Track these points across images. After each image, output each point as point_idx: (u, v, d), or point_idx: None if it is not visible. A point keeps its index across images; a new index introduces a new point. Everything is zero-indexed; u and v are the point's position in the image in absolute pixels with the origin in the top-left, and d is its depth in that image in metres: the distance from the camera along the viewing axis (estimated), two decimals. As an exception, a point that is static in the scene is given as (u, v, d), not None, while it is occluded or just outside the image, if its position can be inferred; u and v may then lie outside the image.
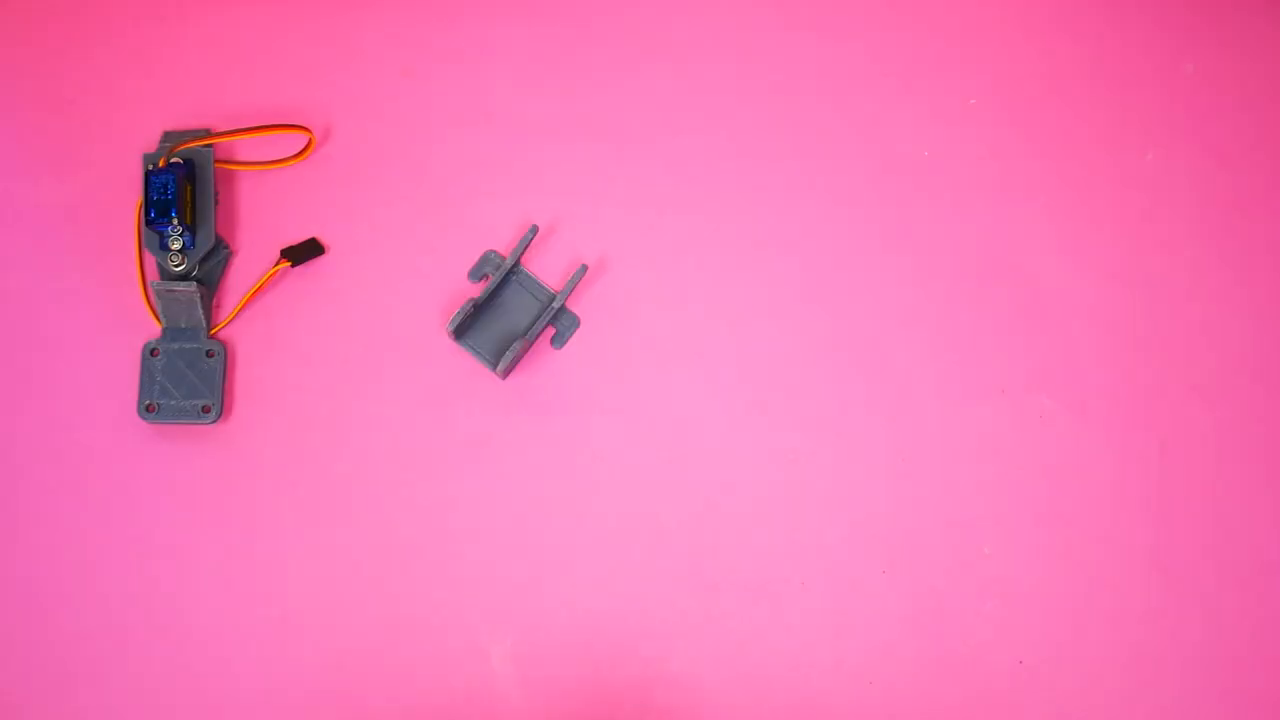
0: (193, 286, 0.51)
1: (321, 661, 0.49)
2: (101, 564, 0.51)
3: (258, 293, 0.53)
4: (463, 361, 0.53)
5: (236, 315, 0.53)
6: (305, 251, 0.54)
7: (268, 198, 0.55)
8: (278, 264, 0.53)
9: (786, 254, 0.55)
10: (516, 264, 0.53)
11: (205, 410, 0.52)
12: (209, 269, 0.53)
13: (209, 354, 0.52)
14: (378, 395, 0.53)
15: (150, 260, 0.53)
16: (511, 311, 0.53)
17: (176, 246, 0.52)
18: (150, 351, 0.52)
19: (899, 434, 0.53)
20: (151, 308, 0.53)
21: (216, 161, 0.54)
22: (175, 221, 0.51)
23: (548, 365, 0.53)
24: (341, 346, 0.53)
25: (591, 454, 0.52)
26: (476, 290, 0.53)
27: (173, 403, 0.52)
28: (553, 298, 0.52)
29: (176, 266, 0.52)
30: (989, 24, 0.58)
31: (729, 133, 0.56)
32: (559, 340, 0.52)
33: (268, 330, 0.54)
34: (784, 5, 0.58)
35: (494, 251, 0.53)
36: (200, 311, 0.52)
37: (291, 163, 0.54)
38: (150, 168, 0.52)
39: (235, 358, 0.53)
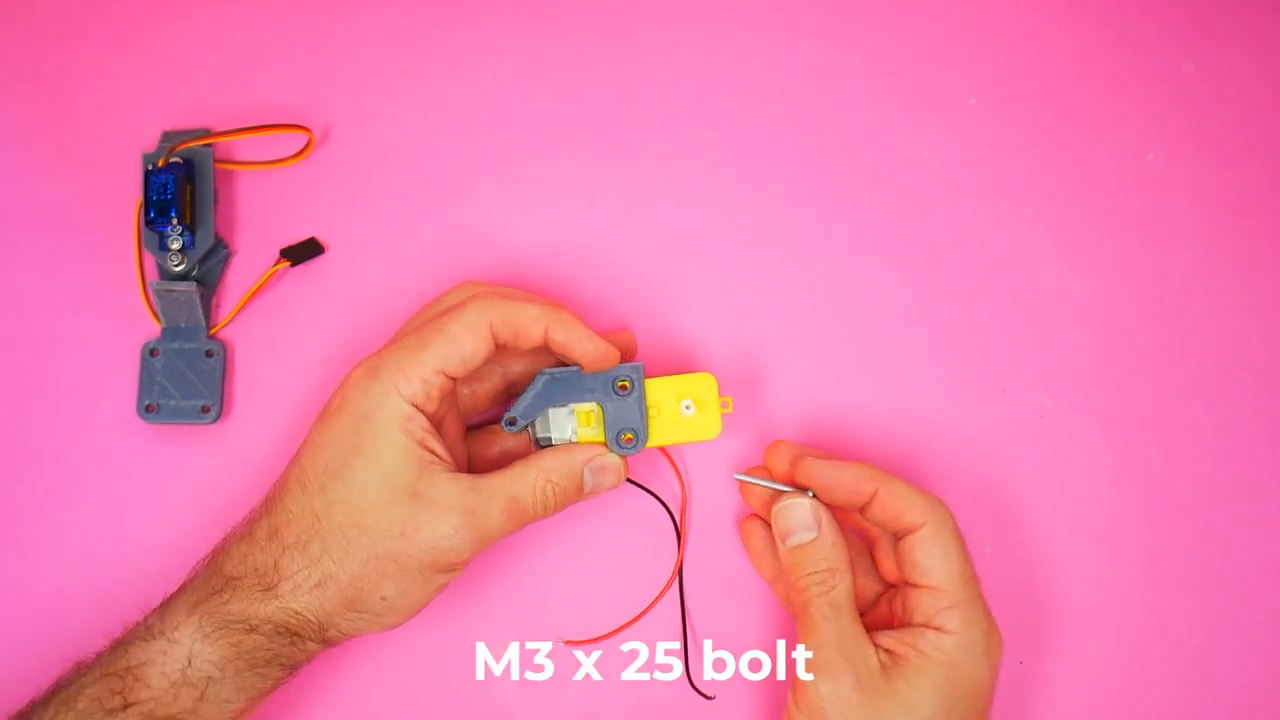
0: (192, 286, 0.51)
1: (320, 660, 0.49)
2: (101, 564, 0.51)
3: (257, 292, 0.53)
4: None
5: (236, 315, 0.53)
6: (305, 251, 0.54)
7: (267, 197, 0.55)
8: (277, 264, 0.53)
9: (785, 254, 0.55)
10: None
11: (205, 410, 0.52)
12: (208, 269, 0.53)
13: (208, 354, 0.52)
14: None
15: (150, 260, 0.53)
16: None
17: (176, 246, 0.52)
18: (150, 351, 0.52)
19: (899, 433, 0.53)
20: (151, 308, 0.53)
21: (216, 161, 0.54)
22: (175, 221, 0.51)
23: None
24: (341, 346, 0.53)
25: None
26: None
27: (172, 403, 0.52)
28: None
29: (176, 266, 0.52)
30: (989, 24, 0.58)
31: (728, 133, 0.56)
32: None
33: (267, 330, 0.54)
34: (784, 5, 0.58)
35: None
36: (200, 311, 0.52)
37: (291, 162, 0.54)
38: (150, 167, 0.52)
39: (235, 358, 0.53)
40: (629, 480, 0.48)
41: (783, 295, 0.54)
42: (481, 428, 0.50)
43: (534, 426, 0.47)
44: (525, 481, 0.45)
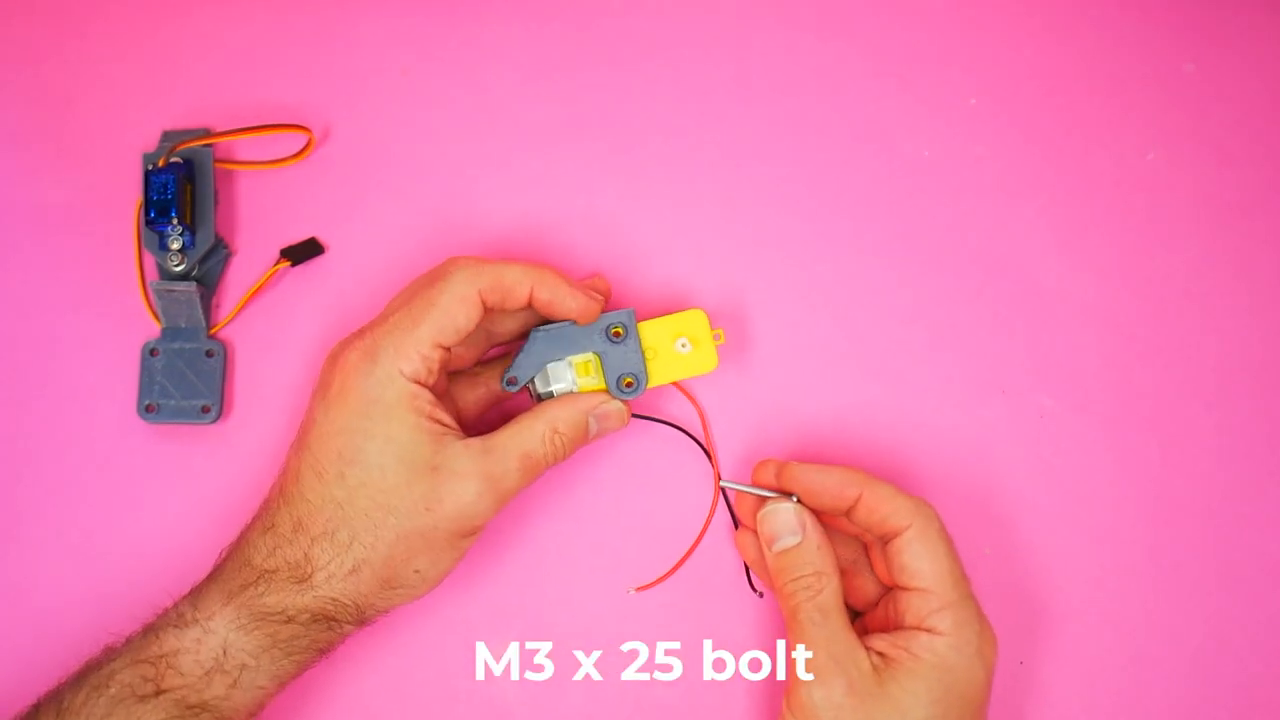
0: (192, 286, 0.51)
1: (319, 661, 0.49)
2: (101, 564, 0.51)
3: (257, 292, 0.53)
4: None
5: (236, 315, 0.53)
6: (305, 251, 0.54)
7: (267, 197, 0.55)
8: (277, 264, 0.53)
9: (785, 254, 0.55)
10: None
11: (205, 410, 0.52)
12: (208, 269, 0.53)
13: (208, 354, 0.52)
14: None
15: (150, 260, 0.53)
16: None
17: (176, 246, 0.52)
18: (150, 351, 0.52)
19: (898, 433, 0.53)
20: (151, 308, 0.53)
21: (216, 161, 0.54)
22: (175, 221, 0.51)
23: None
24: (341, 346, 0.53)
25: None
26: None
27: (172, 403, 0.52)
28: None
29: (176, 266, 0.52)
30: (989, 24, 0.58)
31: (728, 133, 0.56)
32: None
33: (267, 330, 0.54)
34: (783, 4, 0.58)
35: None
36: (200, 311, 0.52)
37: (291, 162, 0.54)
38: (150, 167, 0.52)
39: (235, 357, 0.53)
40: (642, 416, 0.51)
41: (782, 295, 0.54)
42: (460, 372, 0.51)
43: (534, 384, 0.48)
44: (534, 435, 0.46)
